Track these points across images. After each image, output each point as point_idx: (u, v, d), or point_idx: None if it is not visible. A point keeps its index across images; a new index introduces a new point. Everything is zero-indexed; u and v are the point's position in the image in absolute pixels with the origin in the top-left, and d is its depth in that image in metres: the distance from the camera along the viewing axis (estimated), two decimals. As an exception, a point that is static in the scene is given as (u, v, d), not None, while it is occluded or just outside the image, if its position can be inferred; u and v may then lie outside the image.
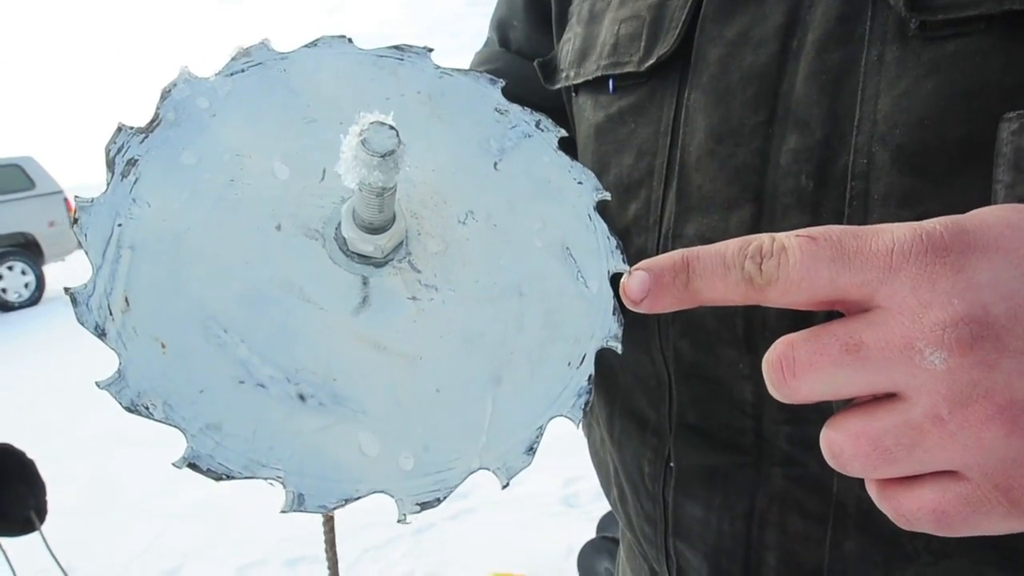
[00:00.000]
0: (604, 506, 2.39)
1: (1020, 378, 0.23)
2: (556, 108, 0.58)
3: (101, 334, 0.30)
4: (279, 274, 0.33)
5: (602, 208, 0.40)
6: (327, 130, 0.37)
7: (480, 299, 0.35)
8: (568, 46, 0.53)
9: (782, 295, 0.27)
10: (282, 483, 0.30)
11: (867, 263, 0.25)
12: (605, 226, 0.39)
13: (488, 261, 0.36)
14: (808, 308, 0.28)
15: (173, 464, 0.29)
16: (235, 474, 0.29)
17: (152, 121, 0.35)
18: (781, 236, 0.27)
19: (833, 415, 0.27)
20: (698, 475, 0.45)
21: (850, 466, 0.26)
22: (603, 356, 0.52)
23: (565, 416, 0.34)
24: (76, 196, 0.33)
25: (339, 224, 0.34)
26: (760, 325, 0.40)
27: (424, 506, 0.31)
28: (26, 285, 8.37)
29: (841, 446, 0.26)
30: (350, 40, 0.40)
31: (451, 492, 0.32)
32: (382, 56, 0.40)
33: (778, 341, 0.27)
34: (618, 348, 0.36)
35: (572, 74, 0.52)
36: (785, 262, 0.26)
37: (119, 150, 0.34)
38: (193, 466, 0.29)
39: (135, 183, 0.33)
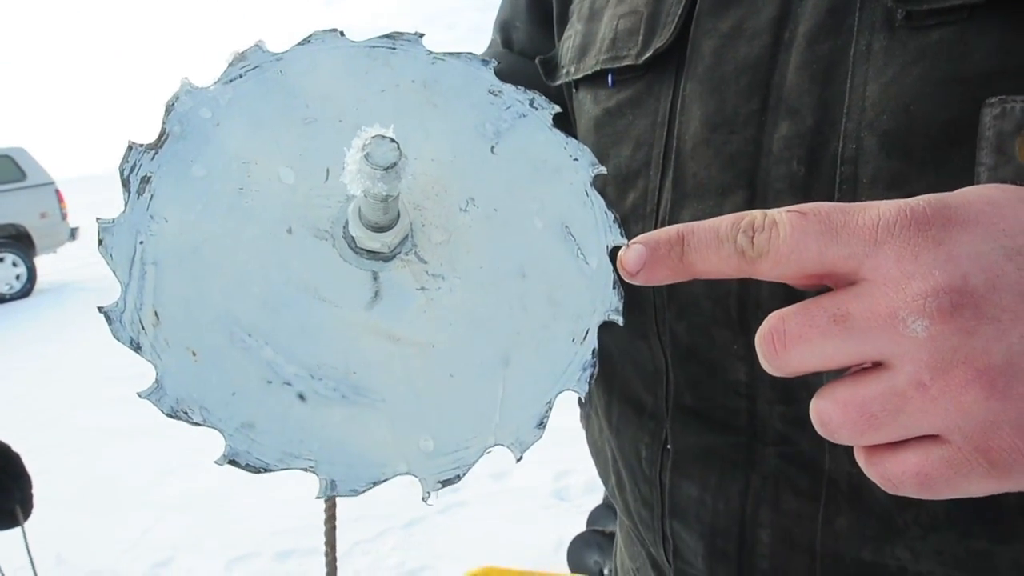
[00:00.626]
0: (595, 499, 2.41)
1: (997, 344, 0.24)
2: (559, 105, 0.59)
3: (136, 348, 0.32)
4: (294, 276, 0.35)
5: (599, 183, 0.41)
6: (327, 129, 0.38)
7: (485, 284, 0.37)
8: (569, 43, 0.54)
9: (773, 267, 0.28)
10: (314, 472, 0.32)
11: (853, 236, 0.26)
12: (602, 201, 0.40)
13: (491, 246, 0.37)
14: (798, 282, 0.29)
15: (215, 462, 0.32)
16: (271, 467, 0.32)
17: (160, 136, 0.36)
18: (773, 211, 0.28)
19: (823, 386, 0.28)
20: (694, 456, 0.47)
21: (838, 434, 0.27)
22: (603, 345, 0.53)
23: (572, 390, 0.36)
24: (98, 218, 0.34)
25: (347, 223, 0.36)
26: (754, 306, 0.41)
27: (446, 483, 0.34)
28: (17, 277, 8.32)
29: (829, 414, 0.27)
30: (342, 33, 0.40)
31: (470, 469, 0.34)
32: (374, 47, 0.40)
33: (770, 315, 0.28)
34: (619, 320, 0.37)
35: (572, 70, 0.53)
36: (776, 235, 0.28)
37: (132, 168, 0.35)
38: (233, 462, 0.32)
39: (151, 200, 0.35)
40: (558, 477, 2.78)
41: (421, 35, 0.41)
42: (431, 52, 0.41)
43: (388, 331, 0.35)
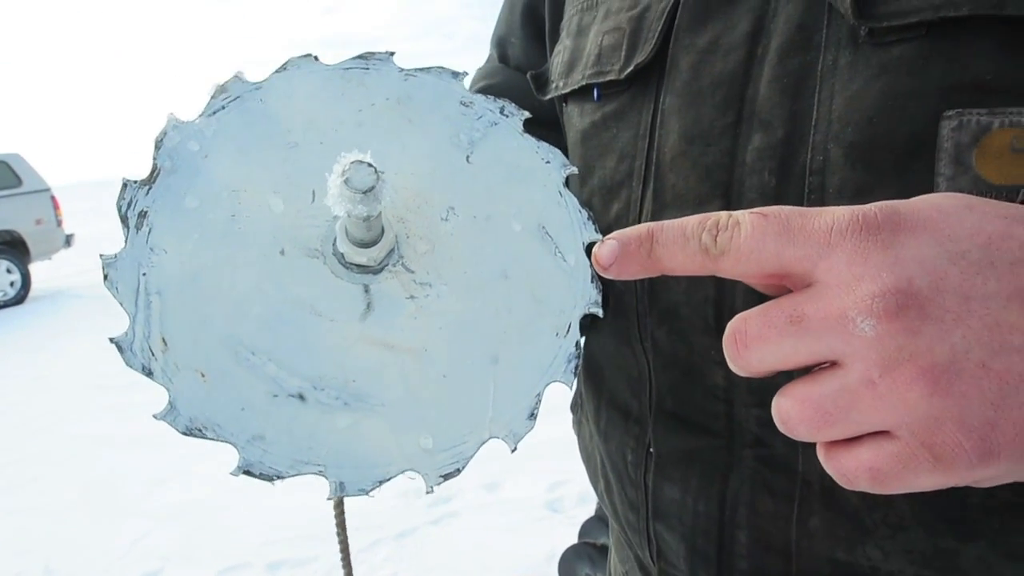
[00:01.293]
0: (587, 511, 2.41)
1: (941, 343, 0.25)
2: (551, 118, 0.61)
3: (148, 374, 0.35)
4: (291, 294, 0.37)
5: (573, 184, 0.42)
6: (310, 152, 0.40)
7: (470, 288, 0.39)
8: (558, 58, 0.56)
9: (734, 265, 0.30)
10: (324, 475, 0.35)
11: (808, 239, 0.28)
12: (575, 200, 0.41)
13: (473, 252, 0.39)
14: (760, 281, 0.31)
15: (230, 473, 0.34)
16: (283, 474, 0.34)
17: (152, 172, 0.38)
18: (737, 213, 0.30)
19: (784, 385, 0.30)
20: (676, 459, 0.48)
21: (797, 430, 0.29)
22: (592, 353, 0.54)
23: (559, 381, 0.38)
24: (101, 254, 0.36)
25: (335, 240, 0.37)
26: (729, 312, 0.42)
27: (447, 477, 0.36)
28: (11, 284, 8.30)
29: (788, 411, 0.29)
30: (316, 58, 0.42)
31: (468, 462, 0.36)
32: (348, 68, 0.42)
33: (734, 318, 0.30)
34: (599, 312, 0.39)
35: (561, 84, 0.54)
36: (737, 235, 0.29)
37: (129, 205, 0.37)
38: (248, 472, 0.34)
39: (149, 233, 0.36)
40: (551, 488, 2.77)
41: (391, 53, 0.43)
42: (403, 69, 0.43)
43: (382, 339, 0.37)
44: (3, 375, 5.04)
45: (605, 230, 0.48)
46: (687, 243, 0.31)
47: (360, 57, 0.42)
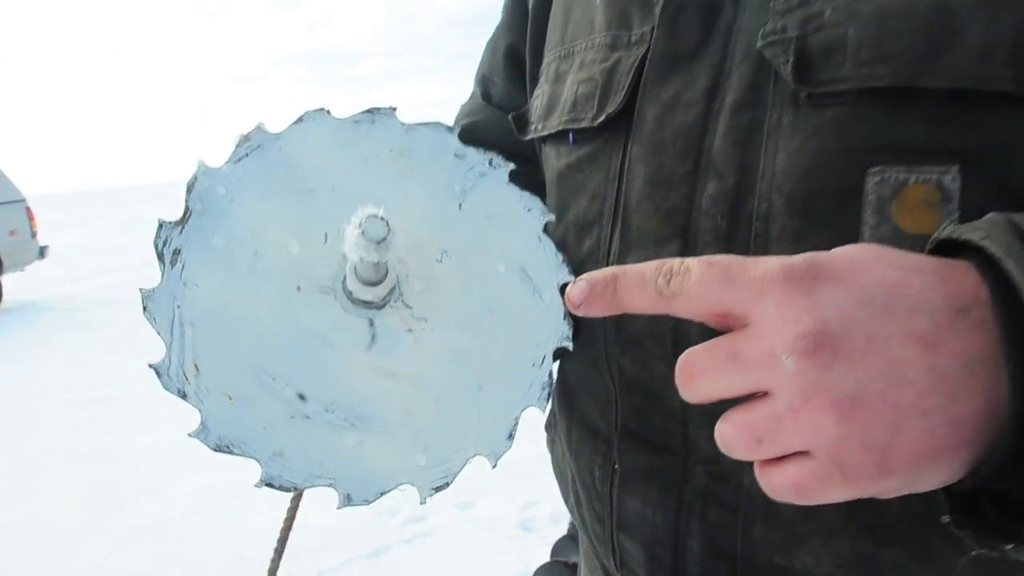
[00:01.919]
0: (560, 531, 2.42)
1: (849, 377, 0.30)
2: (530, 155, 0.64)
3: (183, 396, 0.39)
4: (306, 326, 0.42)
5: (551, 229, 0.48)
6: (323, 197, 0.45)
7: (460, 323, 0.44)
8: (537, 102, 0.60)
9: (685, 306, 0.35)
10: (334, 487, 0.40)
11: (745, 286, 0.33)
12: (552, 244, 0.47)
13: (463, 290, 0.45)
14: (708, 320, 0.35)
15: (254, 485, 0.39)
16: (300, 486, 0.39)
17: (185, 213, 0.42)
18: (688, 260, 0.35)
19: (725, 411, 0.35)
20: (638, 475, 0.52)
21: (734, 451, 0.34)
22: (565, 377, 0.59)
23: (534, 406, 0.44)
24: (140, 288, 0.40)
25: (345, 279, 0.42)
26: (685, 343, 0.45)
27: (438, 489, 0.41)
28: (-18, 295, 8.18)
29: (727, 434, 0.34)
30: (328, 112, 0.46)
31: (456, 476, 0.42)
32: (357, 122, 0.47)
33: (684, 352, 0.35)
34: (570, 346, 0.45)
35: (540, 127, 0.58)
36: (688, 280, 0.34)
37: (164, 243, 0.41)
38: (269, 485, 0.39)
39: (183, 269, 0.41)
40: (524, 508, 2.79)
41: (394, 108, 0.47)
42: (404, 123, 0.47)
43: (385, 368, 0.42)
44: (-29, 388, 4.95)
45: (578, 264, 0.52)
46: (645, 286, 0.36)
47: (368, 112, 0.47)
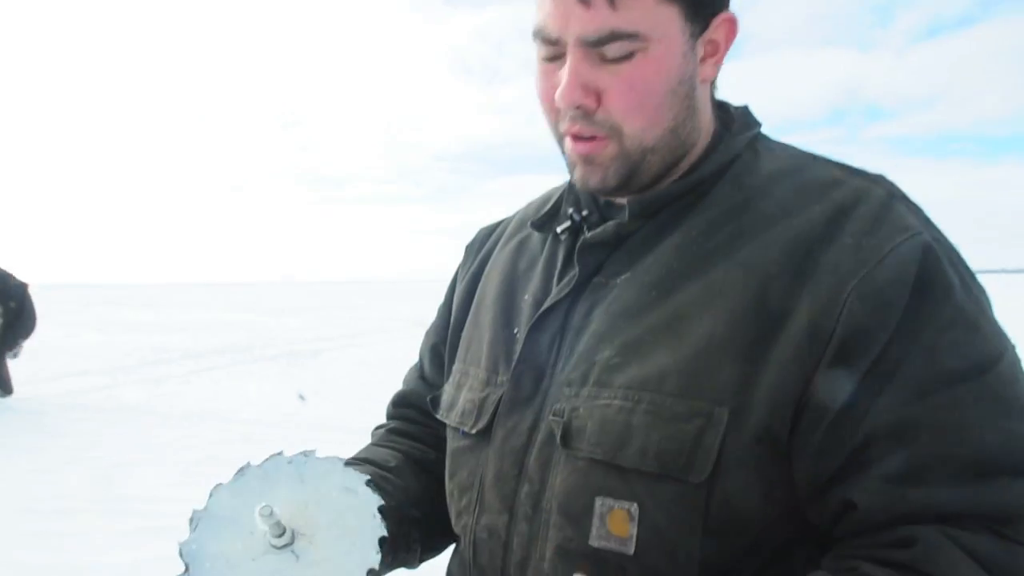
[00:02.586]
0: None
1: None
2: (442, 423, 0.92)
3: None
4: (264, 564, 0.72)
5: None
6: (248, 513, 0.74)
7: (325, 545, 0.73)
8: (445, 396, 0.92)
9: None
10: None
11: None
12: (378, 520, 0.73)
13: (332, 538, 0.73)
14: None
15: None
16: None
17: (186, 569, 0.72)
18: None
19: None
20: None
21: None
22: None
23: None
24: None
25: (270, 540, 0.72)
26: None
27: None
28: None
29: None
30: (282, 454, 0.79)
31: None
32: (289, 462, 0.79)
33: None
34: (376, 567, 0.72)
35: (444, 415, 0.90)
36: None
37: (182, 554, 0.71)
38: None
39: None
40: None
41: (308, 452, 0.79)
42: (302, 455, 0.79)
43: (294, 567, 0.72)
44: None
45: (456, 515, 0.85)
46: None
47: (301, 454, 0.79)
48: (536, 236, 0.90)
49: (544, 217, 0.88)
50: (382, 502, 0.74)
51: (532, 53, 0.76)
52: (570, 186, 0.86)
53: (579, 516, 0.71)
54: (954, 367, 0.63)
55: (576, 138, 0.74)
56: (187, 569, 0.70)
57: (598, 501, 0.70)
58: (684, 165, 0.78)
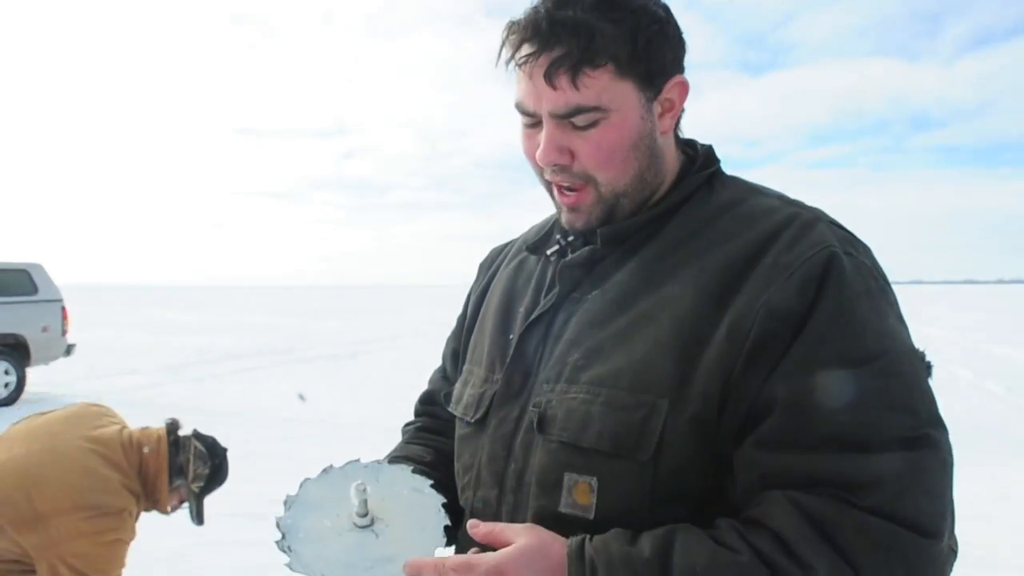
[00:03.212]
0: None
1: None
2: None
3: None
4: (353, 537, 0.88)
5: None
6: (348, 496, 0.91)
7: (403, 530, 0.89)
8: (455, 391, 1.07)
9: None
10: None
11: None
12: (442, 537, 0.88)
13: (404, 525, 0.89)
14: None
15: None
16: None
17: (282, 538, 0.87)
18: (472, 562, 0.78)
19: None
20: None
21: None
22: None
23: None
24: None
25: (355, 519, 0.89)
26: None
27: None
28: (6, 385, 8.59)
29: None
30: (359, 460, 0.97)
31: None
32: (366, 467, 0.97)
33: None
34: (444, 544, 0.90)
35: (452, 407, 1.06)
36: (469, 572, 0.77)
37: (283, 550, 0.85)
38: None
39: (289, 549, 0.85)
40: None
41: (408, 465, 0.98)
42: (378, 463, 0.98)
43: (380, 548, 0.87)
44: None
45: (461, 491, 1.00)
46: (439, 570, 0.79)
47: (374, 462, 0.96)
48: (532, 258, 1.06)
49: (538, 242, 1.05)
50: (445, 500, 0.93)
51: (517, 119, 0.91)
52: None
53: (551, 488, 0.85)
54: (826, 356, 0.76)
55: (560, 189, 0.91)
56: (283, 537, 0.85)
57: (566, 476, 0.84)
58: (655, 199, 0.93)
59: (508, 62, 0.86)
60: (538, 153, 0.87)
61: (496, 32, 0.88)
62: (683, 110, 0.92)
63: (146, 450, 2.03)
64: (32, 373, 9.07)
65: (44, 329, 9.00)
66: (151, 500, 2.06)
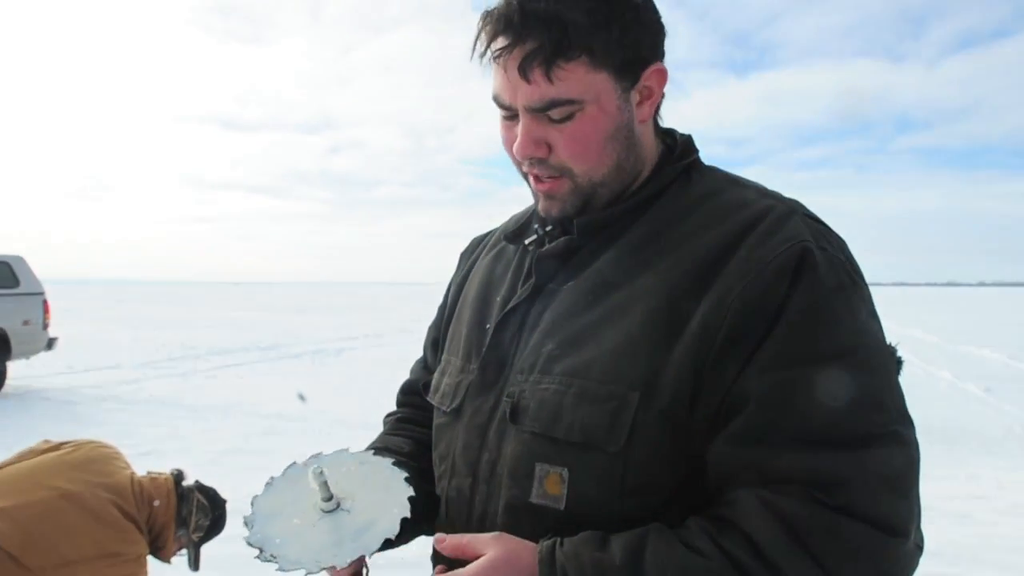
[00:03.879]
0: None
1: None
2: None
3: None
4: (319, 519, 0.90)
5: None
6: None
7: (363, 510, 0.90)
8: (433, 380, 1.09)
9: None
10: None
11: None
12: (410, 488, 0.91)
13: (367, 505, 0.90)
14: None
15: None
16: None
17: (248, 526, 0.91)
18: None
19: None
20: None
21: None
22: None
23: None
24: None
25: (321, 503, 0.90)
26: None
27: (353, 560, 0.85)
28: (-15, 378, 8.48)
29: None
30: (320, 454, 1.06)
31: (372, 553, 0.85)
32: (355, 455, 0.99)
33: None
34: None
35: (431, 396, 1.07)
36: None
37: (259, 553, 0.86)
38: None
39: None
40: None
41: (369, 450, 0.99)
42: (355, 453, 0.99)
43: (340, 523, 0.88)
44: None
45: (437, 479, 1.01)
46: None
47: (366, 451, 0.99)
48: (511, 247, 1.06)
49: (516, 231, 1.04)
50: (393, 460, 0.95)
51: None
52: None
53: (523, 478, 0.85)
54: (798, 352, 0.76)
55: (536, 178, 0.91)
56: (261, 551, 0.85)
57: (538, 466, 0.84)
58: (633, 188, 0.92)
59: (483, 55, 0.86)
60: (515, 147, 0.87)
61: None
62: (663, 96, 0.91)
63: (156, 503, 2.13)
64: (13, 367, 8.97)
65: (25, 322, 8.90)
66: (154, 548, 2.16)
